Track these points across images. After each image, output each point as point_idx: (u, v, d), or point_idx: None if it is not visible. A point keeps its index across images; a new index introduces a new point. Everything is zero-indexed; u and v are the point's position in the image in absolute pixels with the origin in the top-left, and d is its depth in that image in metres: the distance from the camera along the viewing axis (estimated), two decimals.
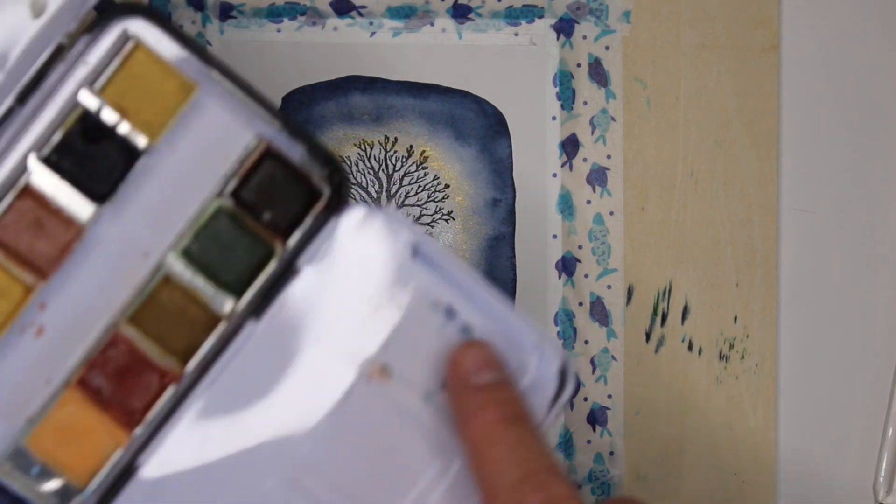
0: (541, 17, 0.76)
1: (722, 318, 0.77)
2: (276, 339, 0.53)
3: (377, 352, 0.54)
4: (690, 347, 0.77)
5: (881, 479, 0.78)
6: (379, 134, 0.76)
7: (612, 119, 0.76)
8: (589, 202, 0.76)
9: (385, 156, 0.76)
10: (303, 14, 0.76)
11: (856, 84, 0.79)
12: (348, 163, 0.76)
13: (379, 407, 0.53)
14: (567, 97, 0.76)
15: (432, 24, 0.76)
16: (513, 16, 0.76)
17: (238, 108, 0.53)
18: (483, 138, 0.76)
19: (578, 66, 0.76)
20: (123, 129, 0.50)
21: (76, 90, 0.50)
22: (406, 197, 0.76)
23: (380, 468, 0.53)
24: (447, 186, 0.76)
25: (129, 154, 0.50)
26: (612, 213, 0.76)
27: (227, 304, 0.54)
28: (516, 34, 0.76)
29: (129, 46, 0.50)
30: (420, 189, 0.76)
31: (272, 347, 0.53)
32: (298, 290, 0.54)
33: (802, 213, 0.79)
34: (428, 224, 0.76)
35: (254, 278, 0.54)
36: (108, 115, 0.50)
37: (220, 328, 0.54)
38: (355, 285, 0.54)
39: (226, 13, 0.75)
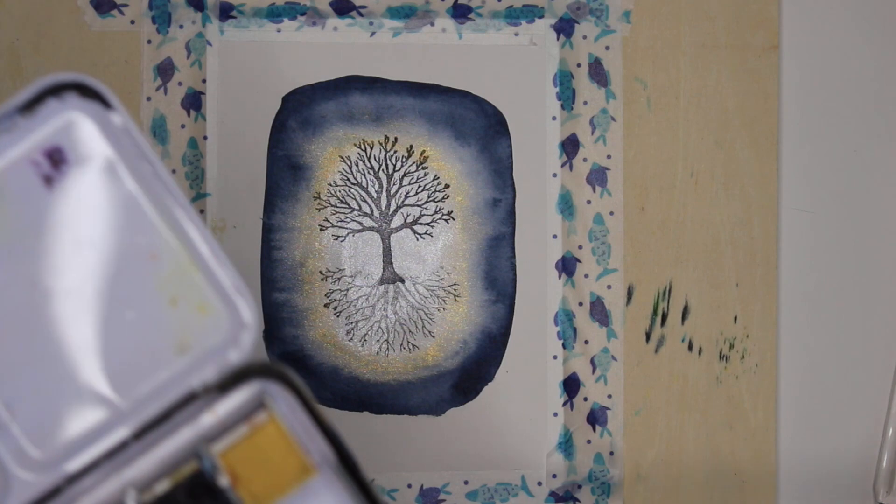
0: (541, 17, 0.76)
1: (722, 318, 0.77)
2: None
3: None
4: (690, 347, 0.77)
5: (881, 479, 0.78)
6: (379, 134, 0.76)
7: (612, 119, 0.76)
8: (589, 202, 0.76)
9: (385, 156, 0.76)
10: (303, 14, 0.76)
11: (856, 84, 0.79)
12: (348, 163, 0.76)
13: None
14: (567, 97, 0.76)
15: (432, 24, 0.76)
16: (513, 16, 0.76)
17: None
18: (483, 138, 0.76)
19: (578, 66, 0.76)
20: (231, 495, 0.47)
21: (196, 444, 0.47)
22: (406, 197, 0.76)
23: None
24: (447, 186, 0.76)
25: None
26: (612, 213, 0.76)
27: None
28: (516, 34, 0.76)
29: (261, 418, 0.47)
30: (420, 189, 0.76)
31: None
32: None
33: (802, 213, 0.79)
34: (428, 224, 0.76)
35: None
36: (221, 480, 0.47)
37: None
38: None
39: (226, 13, 0.75)
